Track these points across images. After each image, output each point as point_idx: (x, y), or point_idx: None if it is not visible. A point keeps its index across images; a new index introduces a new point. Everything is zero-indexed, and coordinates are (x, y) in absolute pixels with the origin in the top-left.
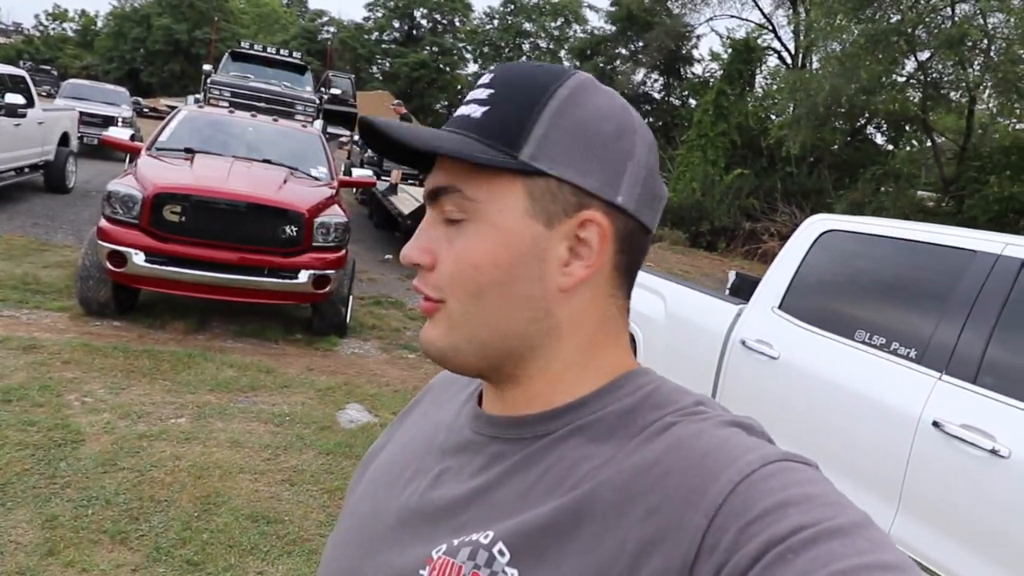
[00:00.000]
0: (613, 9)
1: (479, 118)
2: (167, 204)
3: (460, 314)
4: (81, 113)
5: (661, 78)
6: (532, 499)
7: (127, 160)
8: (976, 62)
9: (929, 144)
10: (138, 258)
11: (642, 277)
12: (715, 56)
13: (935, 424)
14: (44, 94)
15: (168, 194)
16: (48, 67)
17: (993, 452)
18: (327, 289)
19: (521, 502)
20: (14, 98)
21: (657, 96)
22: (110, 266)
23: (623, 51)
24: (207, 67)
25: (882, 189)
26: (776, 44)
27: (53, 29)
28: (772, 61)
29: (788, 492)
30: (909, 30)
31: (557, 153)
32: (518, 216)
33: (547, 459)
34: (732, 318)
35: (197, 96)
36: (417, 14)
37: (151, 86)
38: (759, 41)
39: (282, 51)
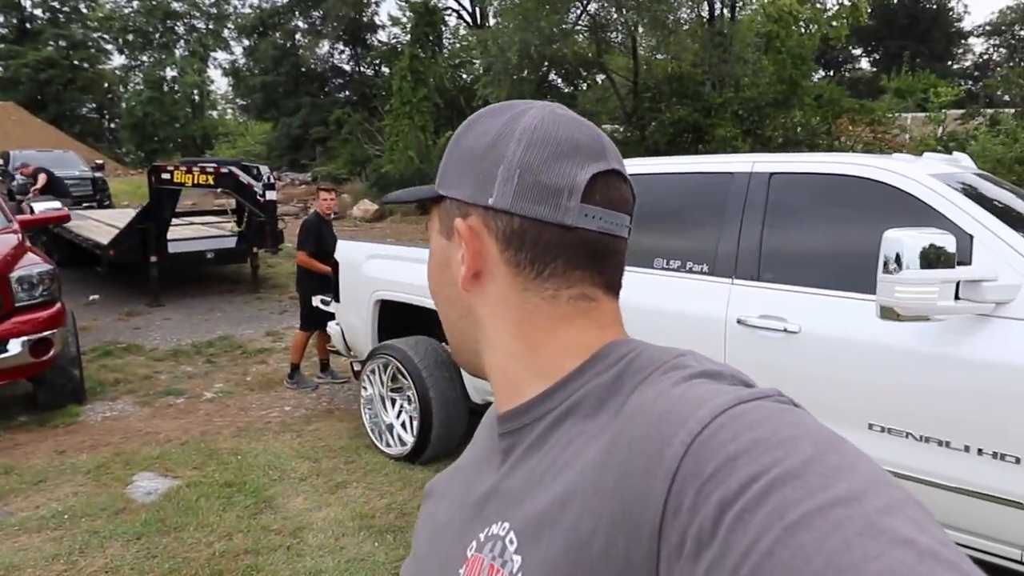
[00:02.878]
0: None
1: None
2: None
3: (441, 318)
4: None
5: (348, 49)
6: (536, 485)
7: None
8: (630, 6)
9: (605, 82)
10: None
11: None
12: (395, 20)
13: (739, 321)
14: None
15: None
16: None
17: (787, 331)
18: (51, 354)
19: (527, 489)
20: None
21: (347, 68)
22: None
23: (301, 24)
24: None
25: None
26: (453, 3)
27: None
28: (452, 21)
29: (737, 442)
30: None
31: (449, 178)
32: (436, 235)
33: (547, 443)
34: None
35: None
36: (27, 3)
37: None
38: (437, 3)
39: None
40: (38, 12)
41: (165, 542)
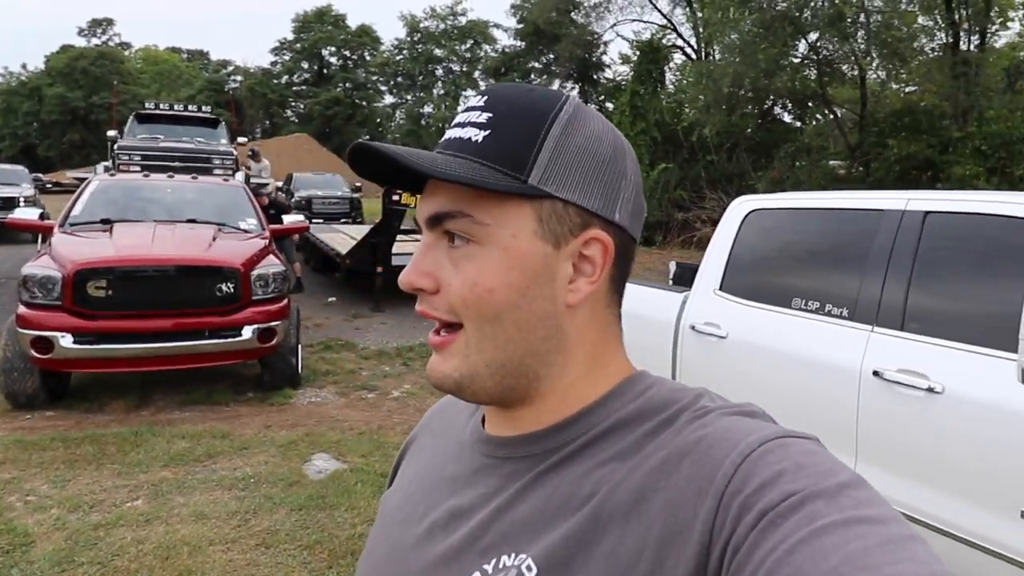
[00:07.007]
0: (520, 26)
1: (481, 143)
2: (90, 280)
3: (478, 339)
4: None
5: (577, 87)
6: (552, 513)
7: (39, 240)
8: (859, 35)
9: (832, 117)
10: (65, 340)
11: None
12: (625, 59)
13: (875, 373)
14: None
15: (90, 269)
16: None
17: (929, 390)
18: (274, 342)
19: (541, 517)
20: None
21: None
22: (35, 353)
23: (536, 64)
24: (112, 133)
25: (797, 164)
26: (679, 42)
27: None
28: (679, 58)
29: (782, 464)
30: (796, 15)
31: (563, 177)
32: (528, 238)
33: (562, 471)
34: (679, 305)
35: (107, 164)
36: (325, 53)
37: (50, 160)
38: (663, 41)
39: (190, 107)
40: (332, 59)
41: (319, 517)
